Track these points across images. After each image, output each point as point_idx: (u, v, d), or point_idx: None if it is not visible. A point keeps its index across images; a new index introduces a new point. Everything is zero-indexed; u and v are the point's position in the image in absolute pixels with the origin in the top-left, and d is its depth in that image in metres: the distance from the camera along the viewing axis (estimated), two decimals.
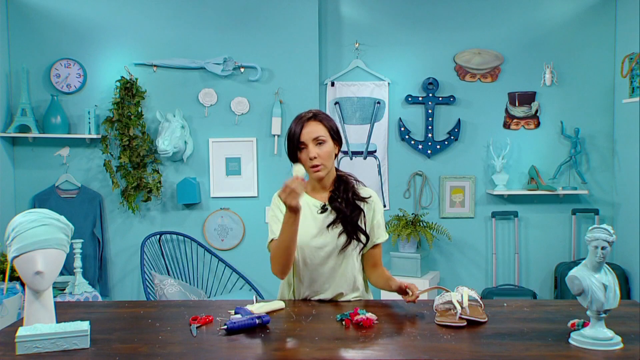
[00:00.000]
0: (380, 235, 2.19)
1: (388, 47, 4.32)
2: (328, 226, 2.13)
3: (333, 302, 2.14)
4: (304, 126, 2.09)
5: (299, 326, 1.83)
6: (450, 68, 4.31)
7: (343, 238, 2.13)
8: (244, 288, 4.14)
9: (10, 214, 3.93)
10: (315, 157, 2.07)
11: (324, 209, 2.16)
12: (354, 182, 2.21)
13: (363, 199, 2.17)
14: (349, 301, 2.16)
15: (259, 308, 1.95)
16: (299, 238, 2.12)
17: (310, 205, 2.18)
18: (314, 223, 2.15)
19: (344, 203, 2.14)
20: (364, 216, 2.16)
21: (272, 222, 2.16)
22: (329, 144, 2.11)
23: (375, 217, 2.18)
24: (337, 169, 2.23)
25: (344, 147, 4.26)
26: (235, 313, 1.85)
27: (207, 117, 4.20)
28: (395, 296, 3.83)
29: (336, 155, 2.19)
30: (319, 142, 2.08)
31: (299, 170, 1.95)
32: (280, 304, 2.04)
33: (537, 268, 4.33)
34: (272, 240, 2.12)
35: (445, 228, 4.19)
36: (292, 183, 1.89)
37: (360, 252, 2.18)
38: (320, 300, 2.15)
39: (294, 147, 2.11)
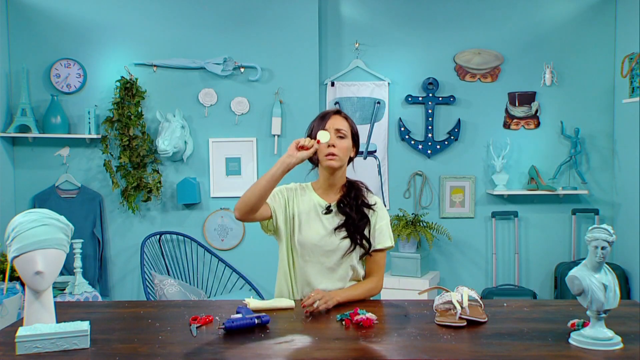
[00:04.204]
0: (381, 240, 2.18)
1: (388, 47, 4.32)
2: (335, 229, 2.14)
3: None
4: (334, 116, 2.16)
5: (299, 326, 1.83)
6: (450, 68, 4.31)
7: (346, 242, 2.14)
8: (244, 288, 4.14)
9: (10, 214, 3.93)
10: (333, 145, 2.10)
11: (328, 210, 2.17)
12: (364, 188, 2.23)
13: (369, 207, 2.19)
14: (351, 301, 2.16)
15: (258, 304, 1.96)
16: (300, 235, 2.14)
17: (317, 204, 2.19)
18: (319, 223, 2.16)
19: (354, 209, 2.16)
20: (369, 223, 2.18)
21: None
22: (348, 141, 2.16)
23: (378, 223, 2.19)
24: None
25: None
26: (237, 312, 1.85)
27: (207, 117, 4.20)
28: (396, 296, 3.84)
29: (351, 159, 2.23)
30: (340, 134, 2.14)
31: (324, 135, 2.06)
32: (287, 303, 2.04)
33: (537, 268, 4.33)
34: None
35: (445, 228, 4.19)
36: (308, 142, 2.02)
37: (362, 256, 2.18)
38: None
39: (317, 133, 2.12)
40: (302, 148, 2.04)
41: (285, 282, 2.22)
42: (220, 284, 4.21)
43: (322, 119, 2.16)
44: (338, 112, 2.19)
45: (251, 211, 2.10)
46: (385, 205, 4.25)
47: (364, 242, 2.15)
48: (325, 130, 2.11)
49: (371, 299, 2.25)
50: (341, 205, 2.17)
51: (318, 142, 2.05)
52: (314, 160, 2.20)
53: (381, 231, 2.19)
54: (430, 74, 4.29)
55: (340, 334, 1.74)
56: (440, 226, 4.17)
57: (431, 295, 2.30)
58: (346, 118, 2.19)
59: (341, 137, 2.13)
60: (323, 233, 2.15)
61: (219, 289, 4.20)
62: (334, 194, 2.21)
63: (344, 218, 2.15)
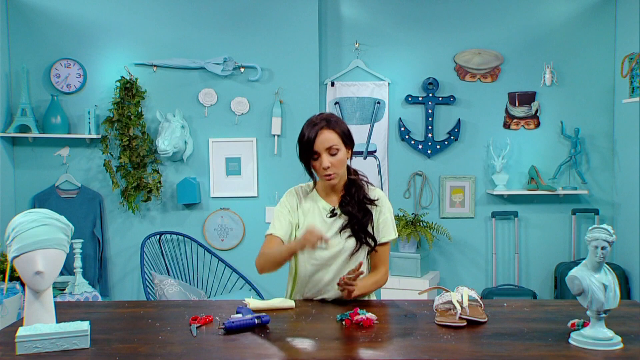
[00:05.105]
0: (385, 234, 2.18)
1: (388, 47, 4.32)
2: (340, 230, 2.13)
3: (334, 302, 2.14)
4: (318, 135, 2.06)
5: (299, 326, 1.83)
6: (450, 68, 4.31)
7: (351, 242, 2.13)
8: (244, 288, 4.14)
9: (10, 214, 3.93)
10: (328, 167, 2.07)
11: (333, 213, 2.16)
12: (364, 183, 2.21)
13: (372, 202, 2.18)
14: (351, 301, 2.15)
15: (258, 304, 1.96)
16: None
17: (321, 207, 2.19)
18: (323, 226, 2.15)
19: (356, 207, 2.14)
20: (372, 219, 2.17)
21: (277, 217, 2.18)
22: (342, 152, 2.10)
23: (381, 217, 2.18)
24: (348, 167, 2.21)
25: None
26: (237, 312, 1.86)
27: (207, 117, 4.20)
28: (396, 296, 3.83)
29: (349, 158, 2.19)
30: (332, 152, 2.07)
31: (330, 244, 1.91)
32: (287, 303, 2.04)
33: (537, 268, 4.33)
34: (270, 234, 2.14)
35: (445, 228, 4.19)
36: (316, 241, 1.84)
37: (367, 254, 2.18)
38: (321, 300, 2.15)
39: (308, 156, 2.10)
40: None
41: (294, 286, 2.22)
42: (220, 284, 4.21)
43: (309, 143, 2.05)
44: (324, 127, 2.07)
45: (271, 271, 2.09)
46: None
47: (369, 239, 2.15)
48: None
49: (372, 298, 2.25)
50: (343, 205, 2.16)
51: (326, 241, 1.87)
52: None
53: (385, 224, 2.18)
54: (430, 74, 4.28)
55: (340, 334, 1.74)
56: (440, 226, 4.17)
57: (431, 295, 2.30)
58: (334, 128, 2.09)
59: (334, 154, 2.07)
60: (329, 236, 2.13)
61: (219, 289, 4.20)
62: (337, 194, 2.20)
63: (347, 218, 2.15)
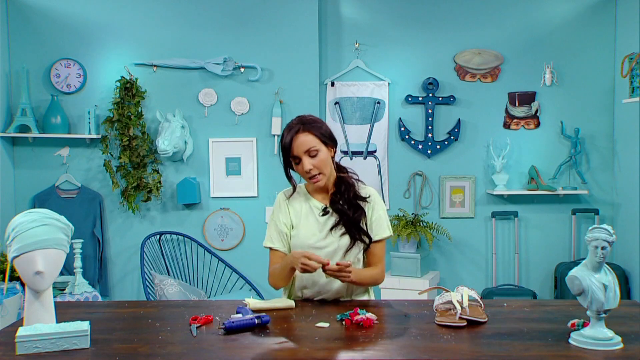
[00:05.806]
0: (379, 231, 2.18)
1: (388, 47, 4.32)
2: (331, 229, 2.14)
3: (334, 302, 2.14)
4: (294, 139, 2.07)
5: (299, 326, 1.83)
6: (450, 68, 4.31)
7: (345, 239, 2.13)
8: (244, 288, 4.14)
9: (10, 214, 3.93)
10: (310, 169, 2.07)
11: (325, 212, 2.16)
12: (354, 181, 2.21)
13: (363, 199, 2.18)
14: (351, 301, 2.16)
15: (258, 304, 1.97)
16: (300, 240, 2.15)
17: (312, 207, 2.19)
18: (316, 225, 2.16)
19: (346, 204, 2.14)
20: (365, 216, 2.17)
21: (271, 226, 2.21)
22: (323, 152, 2.09)
23: (374, 215, 2.18)
24: (338, 165, 2.23)
25: (343, 147, 4.27)
26: (237, 312, 1.86)
27: (207, 117, 4.20)
28: (396, 296, 3.83)
29: (333, 157, 2.18)
30: (311, 154, 2.07)
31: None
32: (287, 303, 2.04)
33: (537, 268, 4.33)
34: (270, 247, 2.19)
35: (445, 228, 4.19)
36: (313, 266, 1.94)
37: (363, 251, 2.18)
38: (321, 300, 2.15)
39: (287, 161, 2.12)
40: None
41: (293, 287, 2.22)
42: (220, 284, 4.21)
43: (287, 149, 2.08)
44: (299, 130, 2.07)
45: (285, 285, 2.20)
46: (384, 203, 4.28)
47: (363, 236, 2.15)
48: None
49: (371, 298, 2.26)
50: (334, 203, 2.16)
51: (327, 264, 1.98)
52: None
53: (378, 222, 2.18)
54: (430, 74, 4.28)
55: (340, 334, 1.74)
56: (440, 226, 4.17)
57: (431, 295, 2.30)
58: (310, 130, 2.08)
59: (314, 156, 2.07)
60: (319, 233, 2.14)
61: (219, 289, 4.20)
62: (327, 193, 2.21)
63: (339, 216, 2.15)
